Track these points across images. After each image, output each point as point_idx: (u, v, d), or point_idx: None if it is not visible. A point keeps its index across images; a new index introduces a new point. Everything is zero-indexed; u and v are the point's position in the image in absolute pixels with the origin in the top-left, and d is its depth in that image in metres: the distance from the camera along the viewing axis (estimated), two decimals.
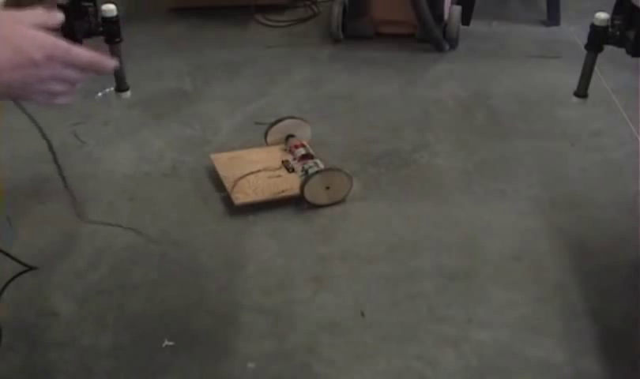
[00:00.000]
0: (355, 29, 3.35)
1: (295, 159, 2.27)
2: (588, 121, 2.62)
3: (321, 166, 2.20)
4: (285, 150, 2.33)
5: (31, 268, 1.85)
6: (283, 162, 2.27)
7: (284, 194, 2.13)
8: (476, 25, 3.49)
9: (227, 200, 2.13)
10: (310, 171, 2.15)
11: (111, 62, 0.83)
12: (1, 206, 1.97)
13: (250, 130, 2.61)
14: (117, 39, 1.54)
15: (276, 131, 2.37)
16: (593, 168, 2.36)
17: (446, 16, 3.25)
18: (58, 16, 0.80)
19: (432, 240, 2.01)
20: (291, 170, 2.23)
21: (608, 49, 1.56)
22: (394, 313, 1.75)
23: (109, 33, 1.53)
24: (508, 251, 1.96)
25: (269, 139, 2.37)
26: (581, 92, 1.65)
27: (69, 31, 1.49)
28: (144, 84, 2.85)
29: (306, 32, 3.53)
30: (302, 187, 2.11)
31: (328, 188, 2.13)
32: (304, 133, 2.39)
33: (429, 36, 3.21)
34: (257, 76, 3.05)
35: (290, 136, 2.36)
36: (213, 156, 2.30)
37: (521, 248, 1.98)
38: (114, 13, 1.52)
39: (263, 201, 2.11)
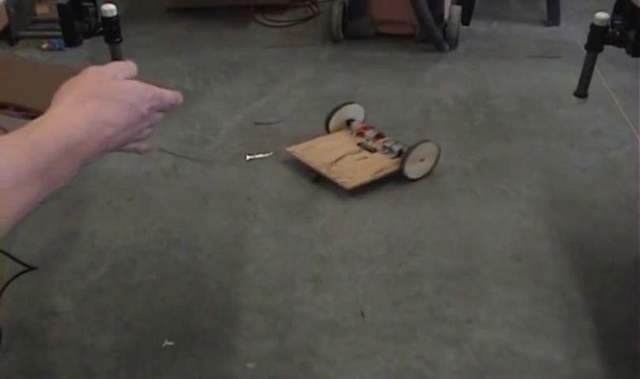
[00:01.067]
0: (355, 29, 3.35)
1: (369, 140, 2.37)
2: (588, 121, 2.62)
3: (399, 141, 2.31)
4: (352, 134, 2.42)
5: (31, 268, 1.85)
6: (359, 144, 2.36)
7: (384, 172, 2.22)
8: (476, 25, 3.49)
9: (321, 185, 2.24)
10: (395, 148, 2.28)
11: (181, 96, 0.82)
12: None
13: (250, 130, 2.61)
14: (117, 39, 1.54)
15: (337, 118, 2.46)
16: (593, 168, 2.36)
17: (446, 16, 3.25)
18: (133, 66, 0.79)
19: (432, 240, 2.01)
20: (372, 150, 2.33)
21: (608, 49, 1.56)
22: (394, 313, 1.75)
23: (109, 33, 1.53)
24: (508, 251, 1.96)
25: (331, 126, 2.44)
26: (581, 92, 1.66)
27: (69, 31, 1.50)
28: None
29: (306, 32, 3.53)
30: (403, 163, 2.20)
31: (422, 160, 2.24)
32: (361, 116, 2.50)
33: (429, 36, 3.21)
34: (257, 76, 3.05)
35: (350, 120, 2.46)
36: (289, 149, 2.36)
37: (521, 248, 1.98)
38: (114, 12, 1.52)
39: (369, 182, 2.19)
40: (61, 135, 0.65)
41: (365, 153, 2.32)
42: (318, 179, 2.23)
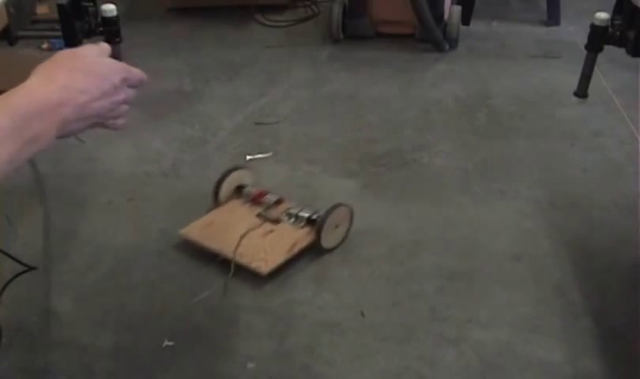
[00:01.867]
0: (355, 29, 3.35)
1: (268, 208, 2.03)
2: (588, 121, 2.62)
3: (303, 206, 2.01)
4: (246, 203, 2.07)
5: (31, 268, 1.85)
6: (258, 215, 2.01)
7: (298, 247, 1.90)
8: (476, 25, 3.49)
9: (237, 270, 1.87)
10: (303, 215, 1.97)
11: (145, 75, 0.90)
12: (1, 206, 1.97)
13: (250, 130, 2.61)
14: (117, 39, 1.54)
15: (227, 186, 2.09)
16: (593, 168, 2.36)
17: (446, 16, 3.25)
18: (107, 48, 0.88)
19: (432, 240, 2.01)
20: (276, 220, 1.99)
21: (608, 49, 1.56)
22: (394, 313, 1.75)
23: (109, 33, 1.53)
24: (508, 251, 1.96)
25: (221, 196, 2.08)
26: (581, 92, 1.66)
27: (69, 31, 1.50)
28: (144, 84, 2.85)
29: (306, 32, 3.53)
30: (318, 234, 1.90)
31: (337, 226, 1.96)
32: (250, 180, 2.14)
33: (429, 36, 3.21)
34: (257, 76, 3.05)
35: (240, 186, 2.10)
36: (183, 231, 1.98)
37: (521, 248, 1.98)
38: (114, 13, 1.52)
39: (285, 261, 1.88)
40: (36, 97, 0.72)
41: (269, 225, 1.97)
42: (226, 262, 1.87)
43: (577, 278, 1.86)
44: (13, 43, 3.67)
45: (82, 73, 0.78)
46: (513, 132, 2.59)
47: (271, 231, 1.95)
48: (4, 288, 1.74)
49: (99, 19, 1.52)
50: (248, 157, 2.43)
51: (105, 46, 0.87)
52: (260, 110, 2.75)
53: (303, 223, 1.97)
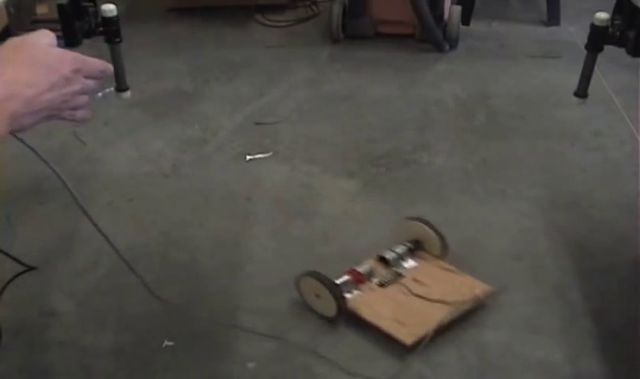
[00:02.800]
0: (355, 29, 3.35)
1: (373, 276, 1.79)
2: (588, 121, 2.62)
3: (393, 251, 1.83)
4: (350, 290, 1.75)
5: (31, 268, 1.85)
6: (381, 285, 1.78)
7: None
8: (476, 25, 3.49)
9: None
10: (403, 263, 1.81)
11: (110, 66, 0.87)
12: (1, 206, 1.97)
13: (250, 130, 2.61)
14: (117, 39, 1.54)
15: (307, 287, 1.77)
16: (593, 168, 2.36)
17: (446, 16, 3.25)
18: (52, 35, 0.82)
19: None
20: (398, 275, 1.79)
21: (608, 49, 1.56)
22: None
23: (109, 33, 1.53)
24: (508, 251, 1.96)
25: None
26: (581, 92, 1.65)
27: (69, 31, 1.50)
28: (144, 84, 2.85)
29: (306, 32, 3.53)
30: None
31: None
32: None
33: (429, 36, 3.21)
34: (257, 76, 3.05)
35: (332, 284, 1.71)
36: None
37: (521, 248, 1.98)
38: (114, 13, 1.52)
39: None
40: None
41: (406, 280, 1.78)
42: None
43: (577, 278, 1.86)
44: None
45: (29, 66, 0.76)
46: (513, 132, 2.59)
47: (416, 280, 1.78)
48: (4, 288, 1.74)
49: (99, 19, 1.52)
50: (248, 157, 2.43)
51: (51, 34, 0.83)
52: (260, 110, 2.75)
53: (409, 257, 1.84)
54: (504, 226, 2.07)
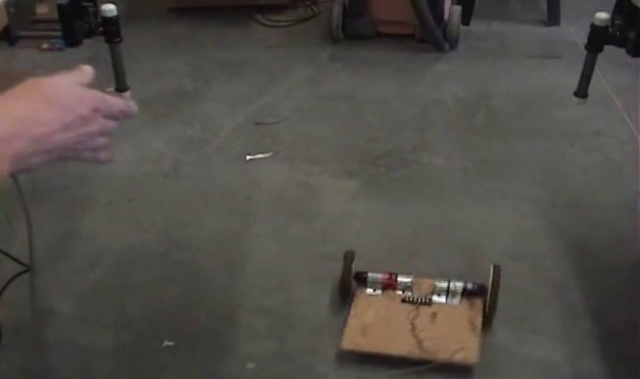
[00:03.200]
0: (355, 29, 3.35)
1: (406, 289, 1.78)
2: (588, 121, 2.62)
3: (441, 278, 1.77)
4: (376, 291, 1.78)
5: (30, 269, 1.85)
6: (405, 301, 1.75)
7: (477, 324, 1.68)
8: (476, 25, 3.48)
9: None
10: (456, 287, 1.74)
11: (135, 107, 0.82)
12: (1, 206, 1.97)
13: (250, 130, 2.61)
14: (117, 39, 1.54)
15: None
16: (593, 168, 2.36)
17: (446, 16, 3.25)
18: (89, 70, 0.79)
19: (432, 240, 2.01)
20: (427, 302, 1.74)
21: (608, 49, 1.56)
22: None
23: (109, 33, 1.53)
24: (508, 251, 1.96)
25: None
26: (581, 92, 1.65)
27: (69, 31, 1.50)
28: (144, 84, 2.85)
29: (306, 32, 3.53)
30: (491, 308, 1.68)
31: None
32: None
33: (429, 36, 3.21)
34: (257, 76, 3.05)
35: (359, 274, 1.79)
36: (345, 345, 1.65)
37: (521, 248, 1.98)
38: (114, 12, 1.52)
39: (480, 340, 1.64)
40: None
41: (425, 309, 1.73)
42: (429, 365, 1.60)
43: (577, 278, 1.86)
44: (13, 43, 3.66)
45: (43, 104, 0.71)
46: (512, 132, 2.59)
47: (434, 315, 1.71)
48: (4, 288, 1.74)
49: (99, 19, 1.52)
50: (248, 157, 2.43)
51: (84, 72, 0.78)
52: (260, 110, 2.75)
53: (459, 297, 1.75)
54: (504, 226, 2.07)
